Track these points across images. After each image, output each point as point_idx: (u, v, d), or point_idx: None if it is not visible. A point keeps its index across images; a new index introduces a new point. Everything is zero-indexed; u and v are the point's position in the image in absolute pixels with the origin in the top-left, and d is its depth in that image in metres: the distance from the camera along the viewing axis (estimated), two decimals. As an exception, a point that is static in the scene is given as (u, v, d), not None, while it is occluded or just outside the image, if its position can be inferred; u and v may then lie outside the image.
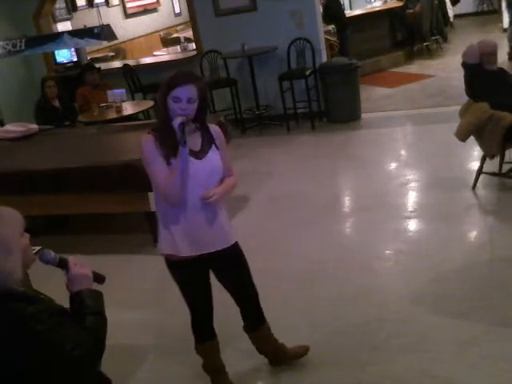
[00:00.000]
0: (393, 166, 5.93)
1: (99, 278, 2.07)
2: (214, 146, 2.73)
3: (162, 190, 2.60)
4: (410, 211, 4.84)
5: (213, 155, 2.71)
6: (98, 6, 10.51)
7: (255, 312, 3.02)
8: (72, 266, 1.95)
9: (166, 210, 2.71)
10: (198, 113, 2.60)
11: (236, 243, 2.86)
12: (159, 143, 2.60)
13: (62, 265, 1.95)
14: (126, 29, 11.15)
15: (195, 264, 2.75)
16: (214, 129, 2.80)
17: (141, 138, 2.65)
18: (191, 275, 2.80)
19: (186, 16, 10.96)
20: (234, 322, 3.07)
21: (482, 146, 4.84)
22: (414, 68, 9.88)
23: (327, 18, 9.13)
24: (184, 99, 2.54)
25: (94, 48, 9.63)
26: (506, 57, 8.79)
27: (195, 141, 2.67)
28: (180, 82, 2.54)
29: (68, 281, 1.94)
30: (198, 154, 2.66)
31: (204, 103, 2.63)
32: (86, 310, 1.86)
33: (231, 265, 2.88)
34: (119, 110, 6.57)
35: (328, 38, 8.73)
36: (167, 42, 11.91)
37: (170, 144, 2.58)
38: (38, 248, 3.12)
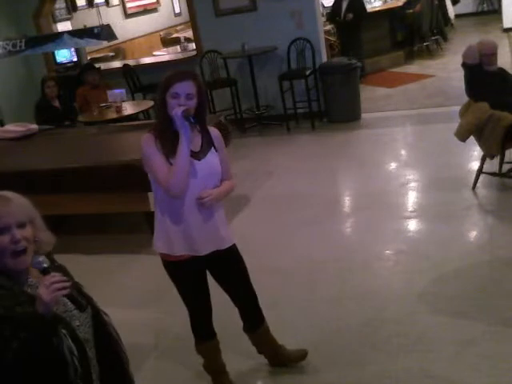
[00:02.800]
0: (393, 166, 5.93)
1: (78, 305, 1.81)
2: (213, 149, 2.73)
3: (164, 181, 2.57)
4: (410, 211, 4.84)
5: (212, 157, 2.71)
6: (98, 5, 10.51)
7: (254, 313, 3.02)
8: (41, 282, 1.70)
9: (163, 208, 2.71)
10: (197, 111, 2.60)
11: (233, 246, 2.85)
12: (159, 142, 2.60)
13: (44, 274, 1.75)
14: (126, 29, 11.14)
15: (191, 264, 2.75)
16: (214, 132, 2.80)
17: (141, 138, 2.66)
18: (187, 275, 2.80)
19: (185, 16, 10.96)
20: (234, 322, 3.07)
21: (481, 146, 4.84)
22: (413, 68, 9.88)
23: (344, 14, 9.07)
24: (183, 95, 2.54)
25: (93, 48, 9.63)
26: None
27: (195, 142, 2.67)
28: (178, 79, 2.55)
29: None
30: (198, 155, 2.66)
31: (203, 101, 2.63)
32: (25, 335, 1.63)
33: (228, 266, 2.88)
34: (119, 109, 6.57)
35: (328, 37, 8.74)
36: (167, 41, 11.91)
37: (170, 143, 2.59)
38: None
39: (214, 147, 2.74)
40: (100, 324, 1.91)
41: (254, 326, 3.05)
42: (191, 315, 2.92)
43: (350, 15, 8.89)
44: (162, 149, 2.59)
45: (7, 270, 1.73)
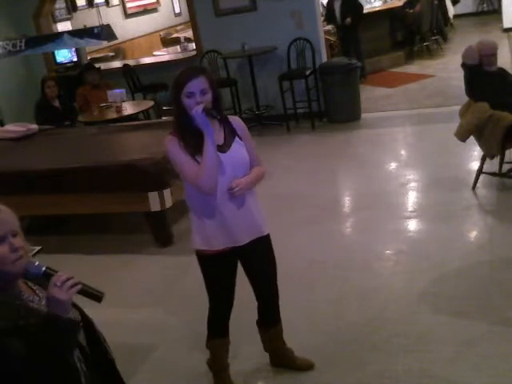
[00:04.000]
0: (393, 166, 5.93)
1: (95, 297, 1.77)
2: (237, 138, 2.71)
3: (195, 180, 2.56)
4: (410, 211, 4.84)
5: (237, 147, 2.69)
6: (98, 5, 10.51)
7: (272, 310, 3.02)
8: (51, 284, 1.68)
9: (197, 205, 2.71)
10: (214, 103, 2.59)
11: (268, 236, 2.85)
12: (182, 143, 2.60)
13: (47, 277, 1.71)
14: (126, 29, 11.15)
15: (227, 257, 2.75)
16: (235, 120, 2.78)
17: (164, 140, 2.65)
18: (221, 269, 2.80)
19: (186, 16, 10.96)
20: (236, 322, 3.07)
21: (482, 146, 4.84)
22: (413, 68, 9.88)
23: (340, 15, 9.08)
24: (197, 92, 2.53)
25: (93, 48, 9.63)
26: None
27: (218, 135, 2.65)
28: (189, 77, 2.54)
29: (46, 298, 1.71)
30: (223, 148, 2.64)
31: (217, 93, 2.63)
32: (44, 340, 1.63)
33: (261, 255, 2.87)
34: (119, 109, 6.57)
35: (328, 37, 8.74)
36: (167, 41, 11.91)
37: (193, 143, 2.59)
38: (37, 248, 3.12)
39: (238, 136, 2.72)
40: (87, 325, 1.89)
41: (269, 324, 3.05)
42: (212, 309, 2.91)
43: (349, 20, 8.89)
44: (186, 149, 2.59)
45: (2, 282, 1.71)
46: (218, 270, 2.81)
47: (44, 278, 1.73)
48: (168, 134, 2.67)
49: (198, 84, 2.53)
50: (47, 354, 1.64)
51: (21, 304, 1.72)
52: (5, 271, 1.69)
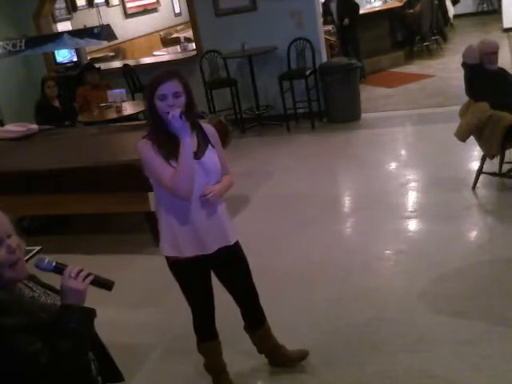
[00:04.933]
0: (393, 166, 5.93)
1: (106, 285, 1.87)
2: (210, 145, 2.73)
3: (171, 184, 2.55)
4: (410, 211, 4.84)
5: (210, 154, 2.70)
6: (98, 5, 10.51)
7: (255, 312, 3.03)
8: (66, 276, 1.75)
9: (167, 211, 2.71)
10: (187, 110, 2.57)
11: (237, 242, 2.86)
12: (157, 147, 2.58)
13: (59, 272, 1.79)
14: (126, 29, 11.15)
15: (197, 264, 2.75)
16: (208, 127, 2.79)
17: (137, 145, 2.63)
18: (193, 275, 2.80)
19: (186, 16, 10.97)
20: (234, 322, 3.07)
21: (482, 146, 4.84)
22: (414, 68, 9.88)
23: (337, 15, 9.11)
24: (170, 94, 2.53)
25: (93, 48, 9.63)
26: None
27: (191, 141, 2.64)
28: (162, 79, 2.54)
29: (60, 291, 1.78)
30: (196, 154, 2.64)
31: (190, 99, 2.61)
32: (66, 330, 1.69)
33: (232, 264, 2.89)
34: (119, 109, 6.57)
35: (328, 37, 8.74)
36: (167, 41, 11.91)
37: (167, 146, 2.58)
38: (37, 248, 3.12)
39: (211, 144, 2.73)
40: None
41: (255, 325, 3.05)
42: (194, 315, 2.93)
43: (347, 21, 8.91)
44: (161, 152, 2.58)
45: (4, 283, 1.71)
46: (190, 277, 2.81)
47: (55, 272, 1.79)
48: (141, 138, 2.65)
49: (170, 87, 2.53)
50: (67, 346, 1.67)
51: (28, 300, 1.75)
52: (5, 275, 1.69)
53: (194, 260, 2.73)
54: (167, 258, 2.80)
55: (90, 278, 1.79)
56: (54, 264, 1.79)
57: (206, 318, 2.93)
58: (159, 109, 2.55)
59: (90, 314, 1.77)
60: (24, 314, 1.66)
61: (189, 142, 2.55)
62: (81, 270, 1.78)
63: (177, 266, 2.79)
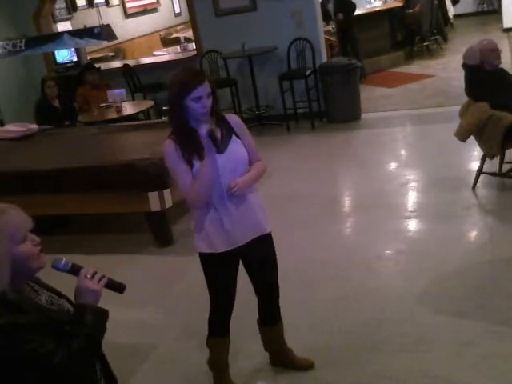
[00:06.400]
0: (393, 166, 5.93)
1: (118, 288, 1.96)
2: (234, 136, 2.71)
3: (186, 193, 2.61)
4: (410, 211, 4.84)
5: (235, 145, 2.69)
6: (98, 5, 10.51)
7: (273, 308, 3.03)
8: (82, 277, 1.83)
9: (198, 209, 2.72)
10: (212, 106, 2.62)
11: (270, 234, 2.85)
12: (180, 147, 2.60)
13: (75, 273, 1.86)
14: (126, 29, 11.15)
15: (229, 258, 2.76)
16: (231, 118, 2.79)
17: (163, 143, 2.65)
18: (224, 270, 2.81)
19: (186, 16, 10.96)
20: (237, 321, 3.07)
21: (482, 146, 4.84)
22: (414, 68, 9.88)
23: (334, 15, 9.13)
24: (205, 96, 2.56)
25: (93, 48, 9.63)
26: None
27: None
28: (197, 83, 2.55)
29: (75, 291, 1.85)
30: (220, 148, 2.63)
31: (215, 94, 2.66)
32: (80, 329, 1.75)
33: (263, 255, 2.87)
34: (119, 109, 6.57)
35: (328, 37, 8.74)
36: (167, 41, 11.91)
37: (190, 147, 2.60)
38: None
39: (236, 134, 2.72)
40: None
41: (269, 322, 3.05)
42: (214, 308, 2.92)
43: (340, 15, 8.94)
44: (184, 154, 2.60)
45: (25, 279, 1.80)
46: (220, 271, 2.81)
47: (71, 273, 1.86)
48: (167, 138, 2.67)
49: (205, 89, 2.56)
50: (81, 344, 1.72)
51: (37, 302, 1.81)
52: (32, 267, 1.78)
53: (227, 254, 2.73)
54: (201, 254, 2.79)
55: (105, 279, 1.86)
56: (70, 265, 1.86)
57: (225, 313, 2.92)
58: (192, 109, 2.57)
59: (104, 314, 1.83)
60: (37, 314, 1.71)
61: (214, 159, 2.55)
62: (95, 272, 1.85)
63: (211, 262, 2.78)
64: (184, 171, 2.60)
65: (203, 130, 2.52)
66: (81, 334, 1.73)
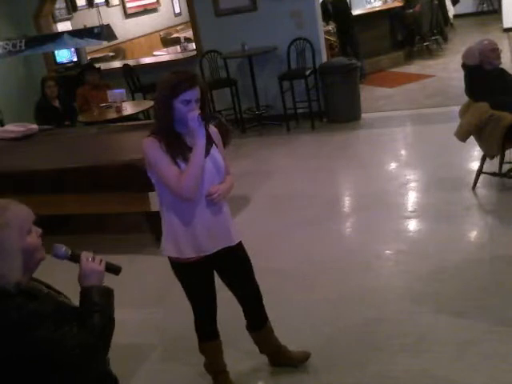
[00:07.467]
0: (393, 166, 5.93)
1: (115, 270, 2.05)
2: (214, 145, 2.74)
3: (176, 185, 2.56)
4: (410, 211, 4.84)
5: (215, 153, 2.72)
6: (98, 5, 10.52)
7: (258, 312, 3.02)
8: (83, 260, 1.93)
9: (170, 212, 2.70)
10: (201, 110, 2.61)
11: (240, 243, 2.86)
12: (165, 145, 2.59)
13: (74, 259, 1.94)
14: (126, 29, 11.15)
15: (200, 265, 2.75)
16: (211, 128, 2.81)
17: (142, 143, 2.63)
18: (196, 276, 2.80)
19: (185, 16, 10.97)
20: (234, 322, 3.07)
21: (482, 146, 4.84)
22: (413, 68, 9.88)
23: (332, 17, 9.17)
24: (193, 100, 2.56)
25: (93, 48, 9.63)
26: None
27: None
28: (189, 86, 2.54)
29: (79, 275, 1.92)
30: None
31: (205, 101, 2.65)
32: (92, 308, 1.84)
33: (235, 264, 2.88)
34: (119, 110, 6.57)
35: (328, 37, 8.74)
36: (167, 42, 11.91)
37: (176, 146, 2.59)
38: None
39: (215, 143, 2.75)
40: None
41: (257, 325, 3.05)
42: (196, 315, 2.92)
43: (330, 7, 9.06)
44: (168, 152, 2.58)
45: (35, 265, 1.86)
46: (192, 277, 2.80)
47: (71, 260, 1.95)
48: (146, 137, 2.65)
49: (194, 93, 2.56)
50: (96, 320, 1.82)
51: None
52: (38, 258, 1.84)
53: (195, 261, 2.72)
54: (170, 258, 2.79)
55: (104, 262, 1.98)
56: (69, 252, 1.94)
57: (208, 318, 2.92)
58: (178, 111, 2.56)
59: (110, 291, 1.95)
60: (49, 301, 1.80)
61: (203, 144, 2.56)
62: (94, 257, 1.97)
63: (179, 267, 2.78)
64: (169, 164, 2.57)
65: (195, 114, 2.51)
66: (94, 313, 1.82)
